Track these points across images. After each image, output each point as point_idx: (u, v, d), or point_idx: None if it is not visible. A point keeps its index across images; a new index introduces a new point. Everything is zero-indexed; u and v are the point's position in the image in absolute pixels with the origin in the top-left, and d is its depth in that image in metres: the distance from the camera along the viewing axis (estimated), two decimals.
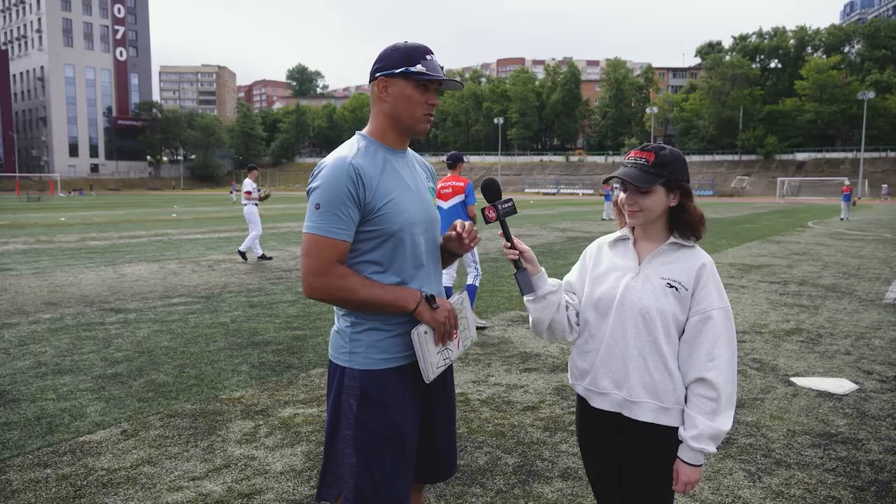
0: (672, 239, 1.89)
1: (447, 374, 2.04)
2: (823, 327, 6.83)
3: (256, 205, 12.41)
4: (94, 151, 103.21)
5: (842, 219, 26.95)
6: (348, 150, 1.85)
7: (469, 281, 6.81)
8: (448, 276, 6.93)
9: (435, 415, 1.99)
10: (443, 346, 1.89)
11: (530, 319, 2.00)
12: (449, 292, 6.92)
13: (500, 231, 1.94)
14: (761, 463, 3.52)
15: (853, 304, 8.11)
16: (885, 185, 59.27)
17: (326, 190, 1.76)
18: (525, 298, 1.95)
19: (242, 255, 12.13)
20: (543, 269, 1.97)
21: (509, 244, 1.90)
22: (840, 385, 4.87)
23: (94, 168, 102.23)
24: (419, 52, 1.84)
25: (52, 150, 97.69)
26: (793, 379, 5.02)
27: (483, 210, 1.92)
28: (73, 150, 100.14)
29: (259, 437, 3.80)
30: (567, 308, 1.99)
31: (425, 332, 1.85)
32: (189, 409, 4.27)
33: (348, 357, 1.87)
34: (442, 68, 1.88)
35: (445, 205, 6.80)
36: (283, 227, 21.37)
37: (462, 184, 6.69)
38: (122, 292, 8.67)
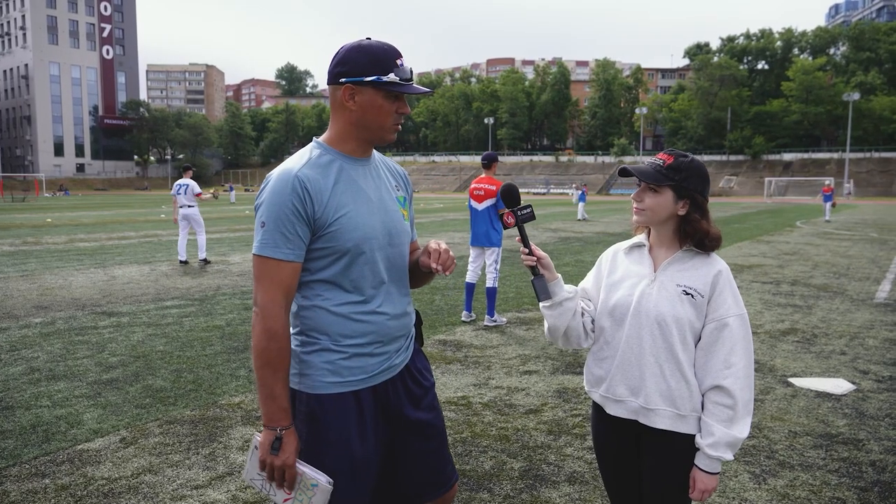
0: (687, 246, 1.89)
1: (416, 398, 1.86)
2: (818, 327, 6.87)
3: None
4: (79, 151, 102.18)
5: (826, 220, 25.84)
6: (297, 160, 1.70)
7: (488, 283, 6.88)
8: (473, 274, 7.08)
9: (401, 444, 1.83)
10: (265, 478, 1.72)
11: (545, 326, 1.99)
12: (471, 289, 7.08)
13: (517, 237, 1.94)
14: (765, 465, 3.53)
15: (845, 304, 8.18)
16: (849, 185, 59.68)
17: (271, 206, 1.62)
18: (541, 305, 1.94)
19: (205, 261, 11.90)
20: (560, 275, 1.96)
21: (527, 250, 1.89)
22: (838, 385, 4.90)
23: (80, 168, 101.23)
24: (389, 58, 1.68)
25: (37, 149, 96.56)
26: (791, 379, 5.05)
27: (501, 216, 1.92)
28: (59, 150, 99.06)
29: None
30: (583, 315, 1.98)
31: (256, 448, 1.72)
32: (188, 415, 4.22)
33: (298, 379, 1.73)
34: (411, 71, 1.73)
35: (479, 206, 6.84)
36: None
37: (495, 187, 6.71)
38: (113, 295, 8.58)
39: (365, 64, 1.66)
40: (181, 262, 11.78)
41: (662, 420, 1.84)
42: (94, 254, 13.36)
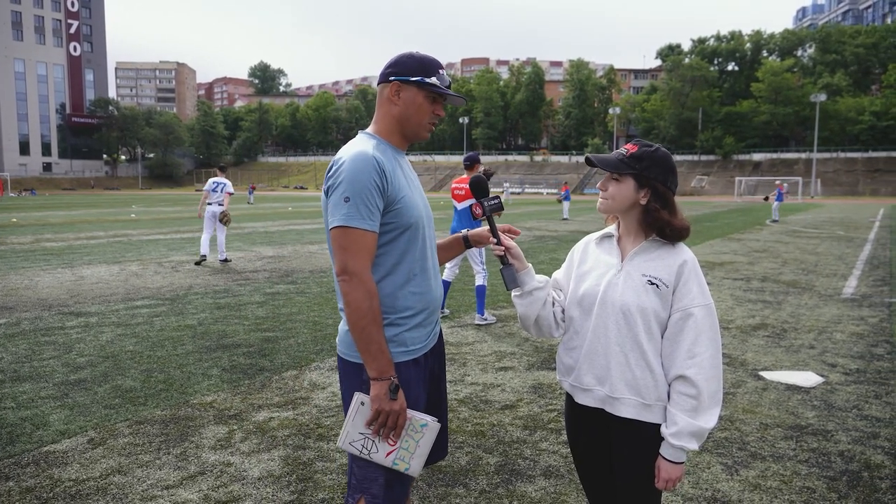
0: (652, 236, 1.89)
1: (443, 363, 2.10)
2: (787, 322, 7.00)
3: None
4: (46, 150, 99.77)
5: (775, 220, 24.64)
6: (365, 144, 1.87)
7: (478, 282, 6.96)
8: (450, 273, 7.23)
9: (437, 401, 2.06)
10: (370, 434, 1.83)
11: (518, 314, 2.00)
12: (447, 287, 7.22)
13: (486, 227, 1.97)
14: (737, 456, 3.58)
15: (814, 300, 8.35)
16: (785, 185, 60.75)
17: (354, 182, 1.78)
18: (512, 293, 1.97)
19: (225, 260, 11.83)
20: (530, 265, 1.97)
21: (496, 240, 1.93)
22: (807, 378, 5.00)
23: (47, 167, 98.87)
24: (434, 66, 1.94)
25: (2, 148, 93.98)
26: (762, 373, 5.13)
27: (471, 206, 1.96)
28: (24, 149, 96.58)
29: (234, 443, 3.70)
30: (553, 304, 2.00)
31: (362, 404, 1.83)
32: (159, 415, 4.14)
33: None
34: (450, 81, 1.96)
35: (459, 205, 6.95)
36: (247, 227, 21.01)
37: None
38: (81, 295, 8.39)
39: (412, 67, 1.91)
40: (202, 257, 11.42)
41: (627, 409, 1.85)
42: (62, 254, 13.05)
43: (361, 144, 1.88)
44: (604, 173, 1.93)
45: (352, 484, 1.90)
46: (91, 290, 8.81)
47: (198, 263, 11.39)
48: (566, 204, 26.77)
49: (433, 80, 1.91)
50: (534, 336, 2.06)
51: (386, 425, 1.81)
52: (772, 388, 4.76)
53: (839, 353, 5.77)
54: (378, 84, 1.99)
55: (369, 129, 1.98)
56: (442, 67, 1.97)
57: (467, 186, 6.80)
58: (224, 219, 11.86)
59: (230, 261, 11.94)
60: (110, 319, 6.92)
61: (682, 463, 1.82)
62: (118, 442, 3.69)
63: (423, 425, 1.85)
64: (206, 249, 11.54)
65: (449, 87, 1.95)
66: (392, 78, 1.92)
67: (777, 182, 28.32)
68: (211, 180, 11.96)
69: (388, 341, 1.87)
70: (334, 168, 1.84)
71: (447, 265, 7.20)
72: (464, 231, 2.21)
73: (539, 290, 1.94)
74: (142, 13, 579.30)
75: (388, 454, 1.83)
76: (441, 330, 2.12)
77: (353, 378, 1.90)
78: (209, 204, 11.80)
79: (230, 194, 11.98)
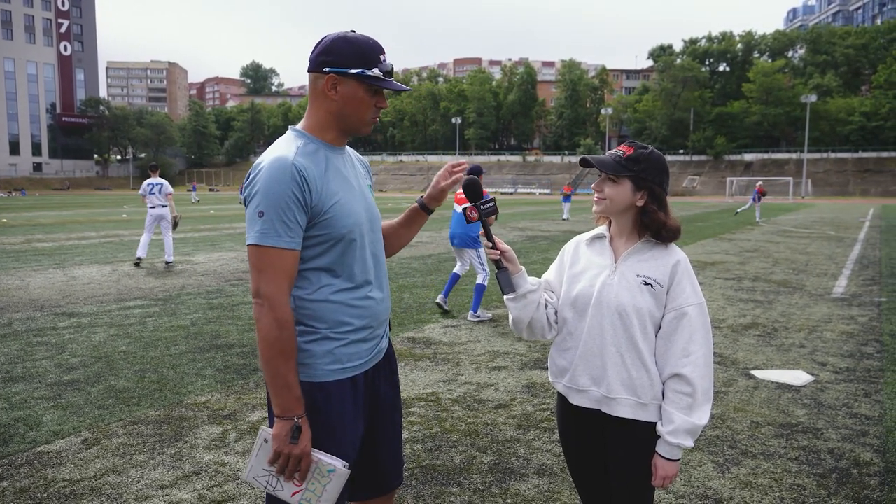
0: (646, 237, 1.92)
1: (394, 383, 1.95)
2: (778, 321, 7.06)
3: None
4: (36, 150, 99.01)
5: (758, 222, 24.32)
6: (286, 148, 1.68)
7: (479, 281, 7.19)
8: (461, 268, 7.47)
9: (381, 426, 1.89)
10: (274, 473, 1.70)
11: (510, 318, 2.00)
12: (455, 279, 7.47)
13: (481, 230, 1.96)
14: (729, 454, 3.62)
15: (804, 299, 8.42)
16: (759, 182, 60.66)
17: (269, 195, 1.60)
18: (505, 297, 1.95)
19: (169, 263, 11.31)
20: (523, 268, 1.98)
21: (490, 244, 1.91)
22: (797, 377, 5.05)
23: (38, 167, 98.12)
24: (374, 52, 1.70)
25: None
26: (753, 372, 5.18)
27: (465, 209, 1.92)
28: (14, 149, 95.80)
29: (228, 443, 3.71)
30: (546, 306, 2.00)
31: (265, 441, 1.69)
32: (153, 415, 4.13)
33: (298, 369, 1.71)
34: (392, 67, 1.75)
35: (458, 208, 7.14)
36: (239, 227, 20.95)
37: None
38: (73, 296, 8.35)
39: (350, 56, 1.68)
40: (138, 259, 11.16)
41: (624, 409, 1.86)
42: (53, 254, 12.98)
43: (284, 147, 1.69)
44: (597, 174, 1.95)
45: None
46: (83, 290, 8.77)
47: (136, 265, 11.14)
48: (566, 205, 26.87)
49: (374, 70, 1.69)
50: (526, 338, 2.06)
51: (288, 468, 1.66)
52: (763, 387, 4.81)
53: (829, 351, 5.83)
54: (309, 72, 1.73)
55: (299, 125, 1.78)
56: (383, 52, 1.73)
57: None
58: (174, 222, 11.50)
59: (173, 264, 11.43)
60: (103, 320, 6.90)
61: (678, 460, 1.85)
62: (112, 442, 3.69)
63: (330, 471, 1.68)
64: (144, 252, 11.21)
65: (391, 72, 1.73)
66: (327, 69, 1.68)
67: (759, 183, 28.06)
68: (145, 182, 11.43)
69: (321, 356, 1.72)
70: (252, 175, 1.66)
71: (458, 261, 7.50)
72: (417, 197, 2.07)
73: (533, 292, 1.95)
74: (133, 13, 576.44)
75: (294, 494, 1.69)
76: (391, 346, 1.96)
77: (270, 404, 1.72)
78: (151, 207, 11.32)
79: (170, 194, 11.46)
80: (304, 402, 1.67)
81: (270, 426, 1.70)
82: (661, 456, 1.84)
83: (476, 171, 7.22)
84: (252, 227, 1.63)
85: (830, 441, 3.82)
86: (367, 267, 1.78)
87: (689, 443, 1.82)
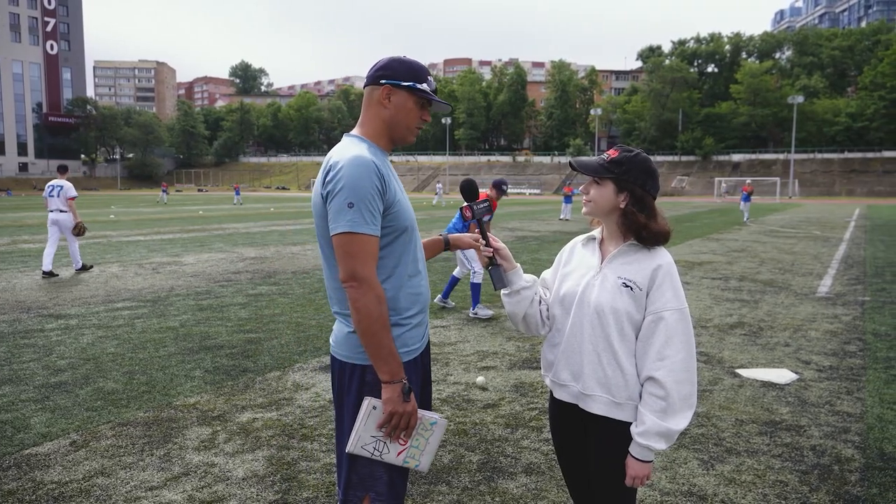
0: (631, 240, 1.95)
1: (430, 366, 2.14)
2: (764, 321, 7.15)
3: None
4: (22, 150, 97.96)
5: (745, 222, 24.50)
6: (359, 148, 1.87)
7: (473, 280, 7.39)
8: (460, 270, 7.82)
9: (427, 401, 2.11)
10: (382, 436, 1.85)
11: (507, 312, 2.09)
12: (454, 282, 7.75)
13: (476, 229, 2.03)
14: (713, 451, 3.67)
15: (790, 299, 8.52)
16: (725, 185, 61.35)
17: (356, 188, 1.78)
18: (501, 293, 2.05)
19: (84, 267, 10.60)
20: (518, 265, 2.04)
21: (485, 242, 1.98)
22: (782, 375, 5.12)
23: (23, 167, 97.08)
24: (424, 72, 1.96)
25: None
26: (738, 370, 5.24)
27: (461, 209, 2.01)
28: (0, 148, 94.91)
29: (218, 444, 3.72)
30: (540, 303, 2.08)
31: (374, 408, 1.83)
32: (142, 416, 4.13)
33: None
34: (436, 87, 1.99)
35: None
36: (229, 228, 20.87)
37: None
38: (60, 297, 8.30)
39: (403, 72, 1.94)
40: (45, 273, 9.94)
41: (598, 406, 1.91)
42: (40, 255, 12.85)
43: (355, 149, 1.87)
44: (586, 177, 1.99)
45: (352, 482, 1.88)
46: (70, 292, 8.72)
47: (45, 277, 9.94)
48: (568, 205, 26.97)
49: (423, 86, 1.94)
50: (522, 331, 2.13)
51: (399, 426, 1.84)
52: (748, 385, 4.87)
53: (813, 350, 5.91)
54: (365, 86, 1.99)
55: (356, 132, 1.97)
56: (429, 73, 2.00)
57: (482, 191, 7.10)
58: (77, 230, 10.36)
59: (90, 268, 10.75)
60: (91, 321, 6.87)
61: (650, 462, 1.87)
62: (101, 444, 3.69)
63: (432, 423, 1.92)
64: (49, 265, 10.00)
65: (435, 92, 1.98)
66: (383, 81, 1.93)
67: (747, 182, 28.02)
68: (48, 184, 10.39)
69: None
70: (332, 173, 1.82)
71: (458, 265, 7.83)
72: (443, 233, 2.27)
73: (526, 289, 2.02)
74: (120, 12, 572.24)
75: (399, 453, 1.88)
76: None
77: (353, 381, 1.90)
78: (50, 211, 10.29)
79: (72, 199, 10.32)
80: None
81: (368, 396, 1.86)
82: (632, 456, 1.87)
83: (500, 183, 7.88)
84: (342, 218, 1.79)
85: (813, 438, 3.88)
86: (418, 257, 1.99)
87: (661, 446, 1.83)
